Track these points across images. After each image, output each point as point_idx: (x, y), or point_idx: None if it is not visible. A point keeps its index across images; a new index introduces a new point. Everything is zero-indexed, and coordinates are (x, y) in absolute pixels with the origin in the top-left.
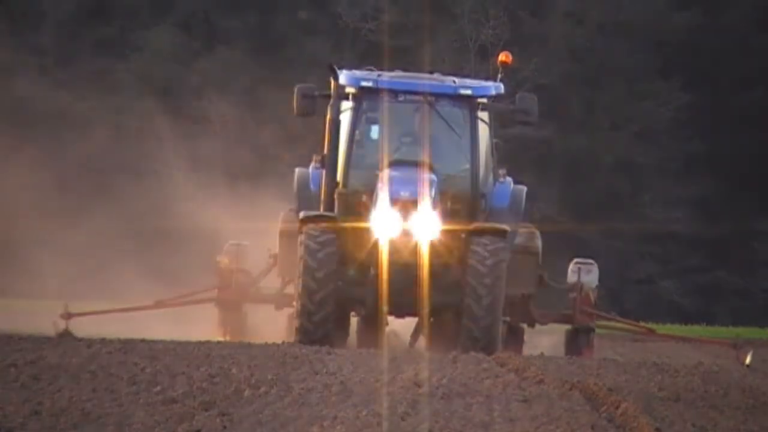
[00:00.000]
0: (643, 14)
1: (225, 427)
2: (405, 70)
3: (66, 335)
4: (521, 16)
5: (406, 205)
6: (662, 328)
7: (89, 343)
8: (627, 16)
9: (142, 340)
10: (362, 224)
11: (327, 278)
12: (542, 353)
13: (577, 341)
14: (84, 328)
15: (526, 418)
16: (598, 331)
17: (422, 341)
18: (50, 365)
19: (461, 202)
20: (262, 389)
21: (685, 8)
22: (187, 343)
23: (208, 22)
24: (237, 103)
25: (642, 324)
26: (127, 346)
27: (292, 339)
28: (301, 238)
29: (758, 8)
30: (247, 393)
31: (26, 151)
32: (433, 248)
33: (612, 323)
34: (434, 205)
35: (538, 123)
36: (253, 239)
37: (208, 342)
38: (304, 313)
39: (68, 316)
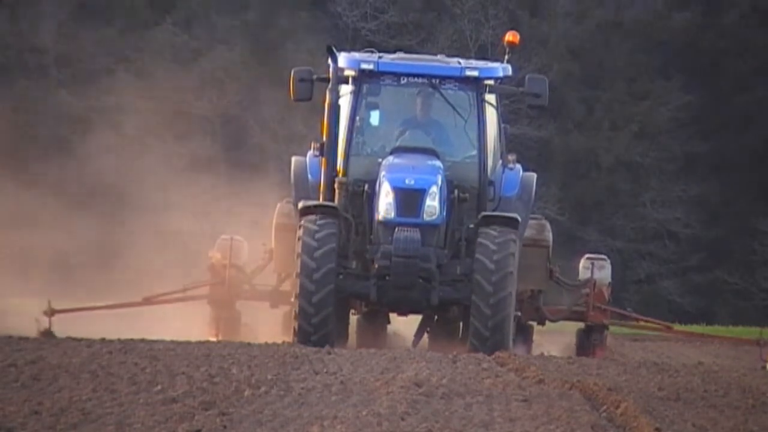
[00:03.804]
0: (643, 14)
1: (225, 427)
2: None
3: (48, 334)
4: (521, 16)
5: (410, 195)
6: (677, 326)
7: (89, 343)
8: (627, 16)
9: (142, 340)
10: (363, 215)
11: (326, 278)
12: (542, 353)
13: (590, 340)
14: (69, 326)
15: (526, 417)
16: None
17: (426, 340)
18: (50, 365)
19: (468, 191)
20: (262, 389)
21: (685, 8)
22: (187, 343)
23: (208, 22)
24: (236, 102)
25: (659, 322)
26: (127, 346)
27: (288, 338)
28: (299, 233)
29: (758, 8)
30: (247, 393)
31: (27, 152)
32: (440, 240)
33: (626, 321)
34: (440, 194)
35: (547, 105)
36: (249, 233)
37: (208, 342)
38: (303, 315)
39: (52, 312)
